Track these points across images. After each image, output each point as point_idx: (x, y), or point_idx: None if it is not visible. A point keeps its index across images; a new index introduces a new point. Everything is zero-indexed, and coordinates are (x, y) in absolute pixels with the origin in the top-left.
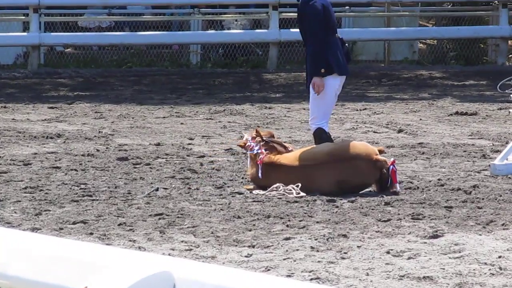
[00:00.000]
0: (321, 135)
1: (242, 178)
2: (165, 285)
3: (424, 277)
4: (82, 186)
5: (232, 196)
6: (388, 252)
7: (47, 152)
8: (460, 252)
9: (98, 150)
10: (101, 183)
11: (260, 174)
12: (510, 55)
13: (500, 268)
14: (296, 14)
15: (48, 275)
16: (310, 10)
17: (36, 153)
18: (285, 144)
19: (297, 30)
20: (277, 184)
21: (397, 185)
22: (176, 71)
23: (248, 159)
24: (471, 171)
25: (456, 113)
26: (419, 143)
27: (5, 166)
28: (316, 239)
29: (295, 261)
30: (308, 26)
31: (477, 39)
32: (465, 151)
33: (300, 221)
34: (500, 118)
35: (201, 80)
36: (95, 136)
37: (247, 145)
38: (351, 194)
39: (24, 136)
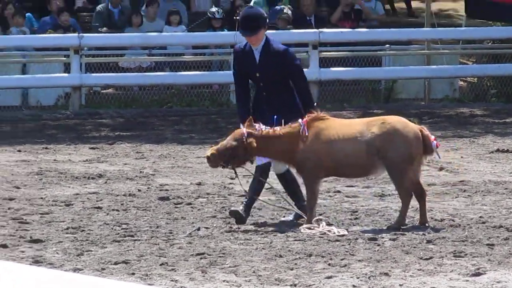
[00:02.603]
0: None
1: (284, 216)
2: None
3: None
4: (124, 226)
5: (274, 235)
6: None
7: (88, 192)
8: None
9: (139, 190)
10: (143, 223)
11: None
12: None
13: None
14: (261, 65)
15: None
16: (293, 55)
17: (77, 194)
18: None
19: (337, 69)
20: (317, 218)
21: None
22: (217, 111)
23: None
24: None
25: (497, 150)
26: (461, 181)
27: (47, 207)
28: (358, 278)
29: None
30: (296, 70)
31: None
32: (506, 189)
33: (341, 259)
34: None
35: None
36: (136, 176)
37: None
38: (392, 232)
39: (65, 177)
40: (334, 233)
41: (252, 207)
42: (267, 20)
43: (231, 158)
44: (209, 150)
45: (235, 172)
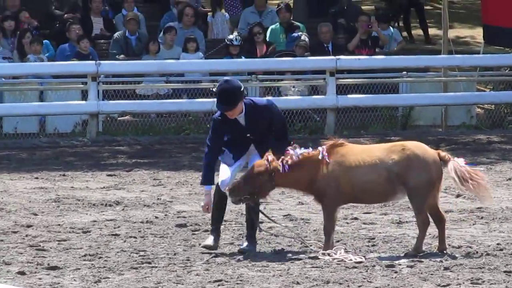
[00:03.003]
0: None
1: (302, 243)
2: None
3: None
4: (141, 253)
5: (291, 262)
6: None
7: (106, 219)
8: None
9: (156, 217)
10: (160, 250)
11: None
12: None
13: None
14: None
15: None
16: (276, 106)
17: (95, 221)
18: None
19: (355, 96)
20: (336, 248)
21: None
22: None
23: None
24: None
25: None
26: (478, 208)
27: (65, 234)
28: None
29: None
30: (282, 120)
31: None
32: None
33: (359, 286)
34: None
35: None
36: (153, 203)
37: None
38: (410, 259)
39: (83, 204)
40: (351, 260)
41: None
42: (244, 92)
43: (255, 189)
44: (230, 184)
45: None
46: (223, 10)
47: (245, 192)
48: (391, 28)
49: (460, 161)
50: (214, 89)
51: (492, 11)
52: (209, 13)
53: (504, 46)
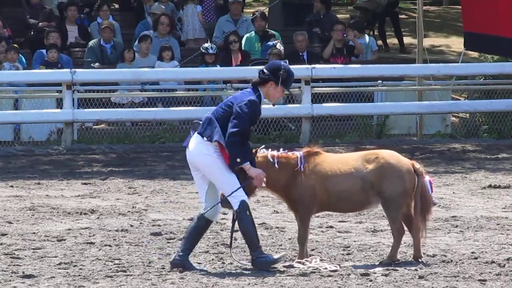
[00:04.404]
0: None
1: (276, 251)
2: None
3: None
4: (116, 261)
5: (266, 271)
6: None
7: (81, 228)
8: None
9: (131, 226)
10: (135, 258)
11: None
12: None
13: None
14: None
15: None
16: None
17: (70, 229)
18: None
19: (330, 104)
20: (311, 258)
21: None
22: None
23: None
24: (505, 244)
25: (489, 186)
26: (453, 217)
27: (39, 242)
28: None
29: None
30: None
31: (510, 112)
32: (498, 224)
33: None
34: None
35: None
36: (128, 211)
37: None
38: (385, 268)
39: (58, 212)
40: (326, 268)
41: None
42: None
43: (244, 184)
44: None
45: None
46: (194, 2)
47: None
48: (367, 37)
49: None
50: (281, 70)
51: (474, 19)
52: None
53: (486, 52)
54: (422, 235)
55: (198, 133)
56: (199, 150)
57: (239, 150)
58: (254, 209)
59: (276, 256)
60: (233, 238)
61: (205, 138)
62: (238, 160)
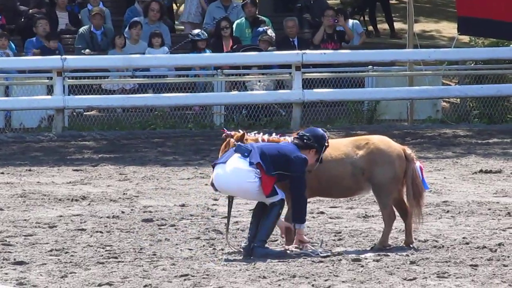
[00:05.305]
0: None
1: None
2: None
3: None
4: (108, 248)
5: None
6: None
7: (72, 214)
8: None
9: (123, 212)
10: (126, 245)
11: None
12: None
13: None
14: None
15: None
16: None
17: (61, 216)
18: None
19: (321, 90)
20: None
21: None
22: (200, 132)
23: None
24: (496, 229)
25: (481, 171)
26: (444, 202)
27: (31, 229)
28: None
29: None
30: None
31: (500, 97)
32: (489, 209)
33: (325, 280)
34: None
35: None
36: (119, 198)
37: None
38: (376, 253)
39: (49, 199)
40: (318, 254)
41: (237, 228)
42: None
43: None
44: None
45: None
46: None
47: None
48: (350, 21)
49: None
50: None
51: (467, 3)
52: None
53: (480, 35)
54: (418, 220)
55: (243, 156)
56: (241, 178)
57: (305, 212)
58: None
59: (276, 250)
60: (229, 224)
61: (251, 163)
62: (306, 219)
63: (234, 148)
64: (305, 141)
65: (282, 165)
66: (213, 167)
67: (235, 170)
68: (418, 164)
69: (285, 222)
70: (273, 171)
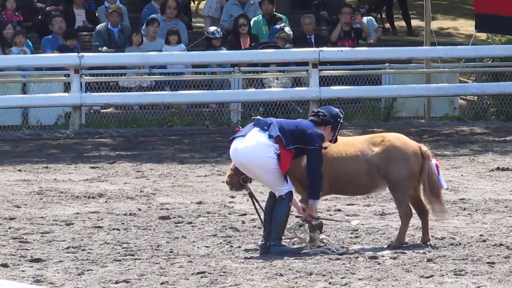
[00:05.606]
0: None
1: (284, 235)
2: None
3: None
4: (124, 245)
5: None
6: None
7: (89, 212)
8: None
9: (140, 209)
10: (143, 242)
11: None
12: None
13: None
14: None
15: None
16: None
17: (78, 213)
18: None
19: (338, 87)
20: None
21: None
22: (217, 130)
23: None
24: None
25: (498, 168)
26: (461, 199)
27: (48, 226)
28: None
29: None
30: None
31: None
32: (506, 207)
33: (342, 278)
34: None
35: None
36: (136, 195)
37: None
38: (393, 251)
39: (66, 196)
40: (334, 251)
41: (254, 226)
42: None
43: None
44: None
45: (253, 195)
46: None
47: (238, 175)
48: (365, 18)
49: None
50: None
51: (485, 0)
52: None
53: (498, 33)
54: (444, 216)
55: (262, 130)
56: (260, 151)
57: (320, 188)
58: (262, 193)
59: (293, 247)
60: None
61: (271, 136)
62: (319, 194)
63: (253, 123)
64: (321, 117)
65: (300, 139)
66: (231, 141)
67: (255, 143)
68: (434, 161)
69: (301, 204)
70: (292, 145)
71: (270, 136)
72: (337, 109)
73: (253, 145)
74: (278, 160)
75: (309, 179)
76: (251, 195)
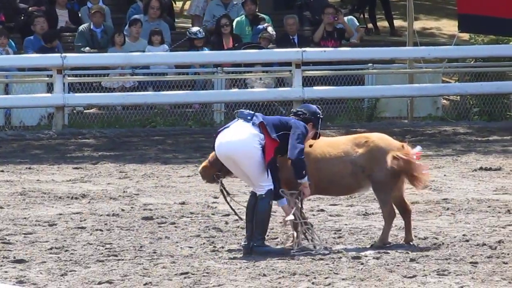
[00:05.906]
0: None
1: (267, 235)
2: None
3: None
4: (107, 246)
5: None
6: None
7: (72, 212)
8: None
9: (123, 210)
10: (126, 243)
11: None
12: None
13: None
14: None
15: None
16: None
17: (61, 214)
18: None
19: (321, 87)
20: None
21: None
22: (200, 130)
23: None
24: (496, 226)
25: (480, 168)
26: (444, 199)
27: (31, 227)
28: None
29: None
30: None
31: (500, 95)
32: (489, 207)
33: (325, 278)
34: None
35: None
36: (119, 195)
37: None
38: (376, 251)
39: (49, 197)
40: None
41: (237, 226)
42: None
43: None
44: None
45: (225, 189)
46: None
47: (214, 169)
48: (345, 17)
49: (417, 149)
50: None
51: (468, 0)
52: None
53: (480, 33)
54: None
55: (246, 120)
56: (245, 141)
57: (305, 166)
58: (245, 193)
59: (276, 248)
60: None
61: (254, 124)
62: (304, 172)
63: (236, 116)
64: (301, 115)
65: (284, 128)
66: (216, 136)
67: (240, 133)
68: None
69: (288, 207)
70: (275, 132)
71: (253, 124)
72: (314, 106)
73: (238, 136)
74: (263, 151)
75: (293, 166)
76: (222, 190)
